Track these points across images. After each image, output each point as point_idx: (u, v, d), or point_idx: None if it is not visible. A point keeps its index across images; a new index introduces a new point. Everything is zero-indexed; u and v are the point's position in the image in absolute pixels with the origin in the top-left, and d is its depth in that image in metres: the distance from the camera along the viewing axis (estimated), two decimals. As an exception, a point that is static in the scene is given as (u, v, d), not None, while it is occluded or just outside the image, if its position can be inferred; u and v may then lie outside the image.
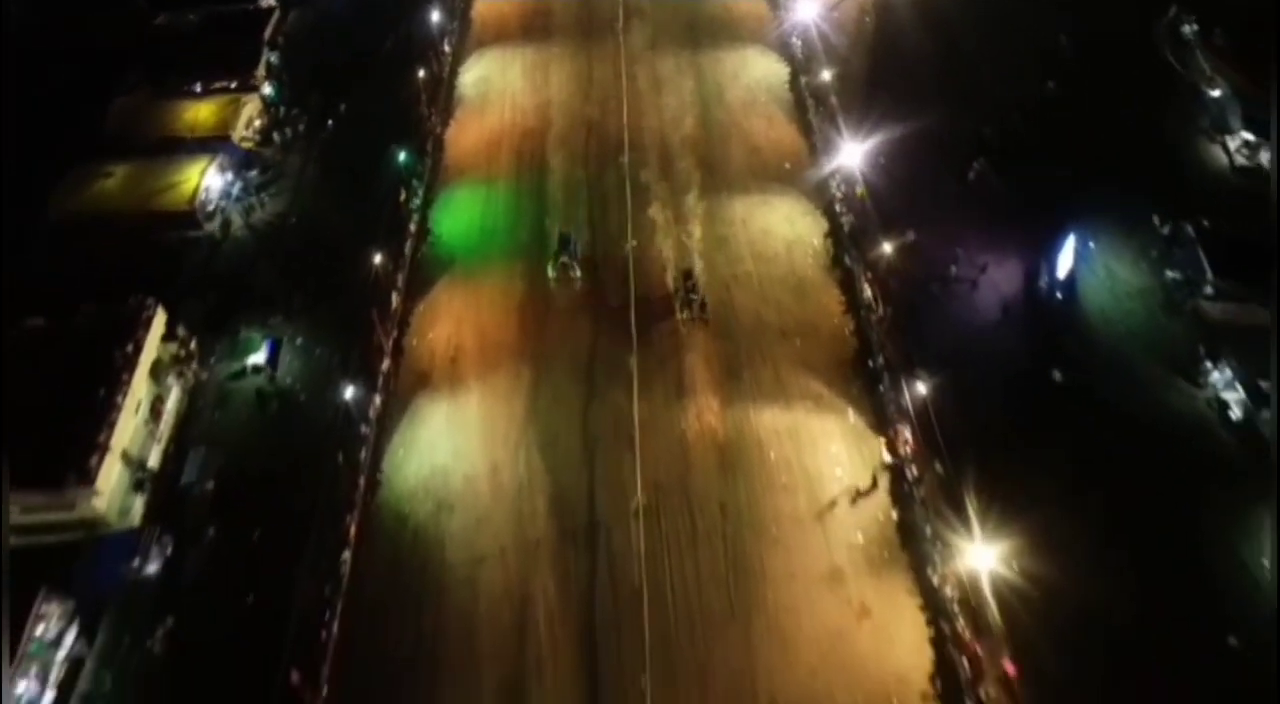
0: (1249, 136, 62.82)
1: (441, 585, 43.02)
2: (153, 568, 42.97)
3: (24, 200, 58.53)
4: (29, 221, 57.81)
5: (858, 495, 46.03)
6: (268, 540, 43.36)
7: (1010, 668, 38.08)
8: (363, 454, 47.30)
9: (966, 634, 39.39)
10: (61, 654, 39.87)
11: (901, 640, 40.69)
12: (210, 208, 60.12)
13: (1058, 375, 49.44)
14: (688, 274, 55.15)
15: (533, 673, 39.88)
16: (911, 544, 43.66)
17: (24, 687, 38.17)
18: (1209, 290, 52.88)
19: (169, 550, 43.46)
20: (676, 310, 54.10)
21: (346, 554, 43.21)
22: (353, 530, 44.08)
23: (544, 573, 43.13)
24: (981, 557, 39.91)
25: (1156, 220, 57.05)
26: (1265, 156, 62.27)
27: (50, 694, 38.95)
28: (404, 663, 40.25)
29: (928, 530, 43.23)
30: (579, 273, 56.05)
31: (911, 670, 39.71)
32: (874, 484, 46.30)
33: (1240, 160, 62.83)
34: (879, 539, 44.29)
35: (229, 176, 61.86)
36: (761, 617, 41.52)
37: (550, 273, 56.09)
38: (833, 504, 45.58)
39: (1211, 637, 39.31)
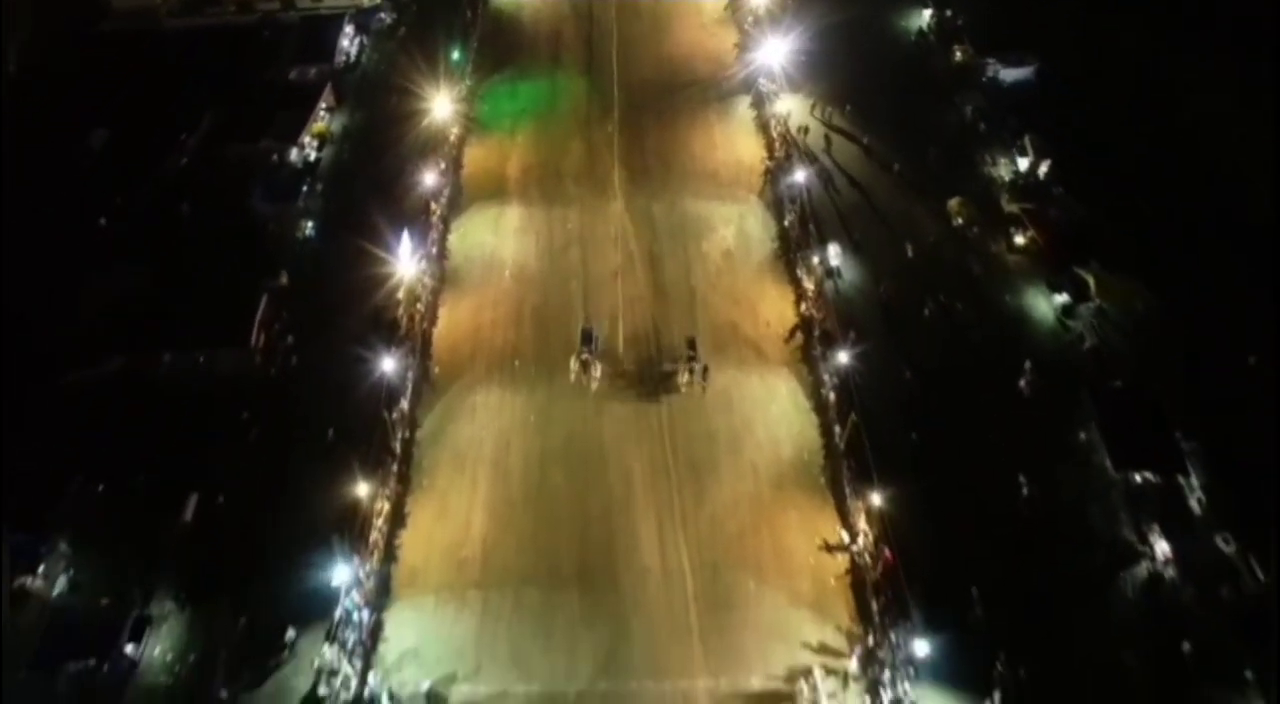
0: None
1: (519, 27, 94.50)
2: (389, 21, 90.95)
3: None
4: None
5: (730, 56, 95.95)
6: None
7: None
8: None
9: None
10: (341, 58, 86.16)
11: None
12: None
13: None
14: (690, 343, 61.61)
15: (562, 49, 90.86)
16: (748, 82, 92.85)
17: (346, 41, 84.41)
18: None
19: (393, 16, 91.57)
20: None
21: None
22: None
23: (568, 27, 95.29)
24: (776, 52, 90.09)
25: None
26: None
27: (352, 53, 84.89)
28: (505, 40, 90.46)
29: (759, 65, 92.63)
30: (598, 371, 60.29)
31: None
32: (735, 50, 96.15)
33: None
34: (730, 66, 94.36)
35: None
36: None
37: (572, 366, 60.51)
38: (714, 52, 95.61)
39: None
